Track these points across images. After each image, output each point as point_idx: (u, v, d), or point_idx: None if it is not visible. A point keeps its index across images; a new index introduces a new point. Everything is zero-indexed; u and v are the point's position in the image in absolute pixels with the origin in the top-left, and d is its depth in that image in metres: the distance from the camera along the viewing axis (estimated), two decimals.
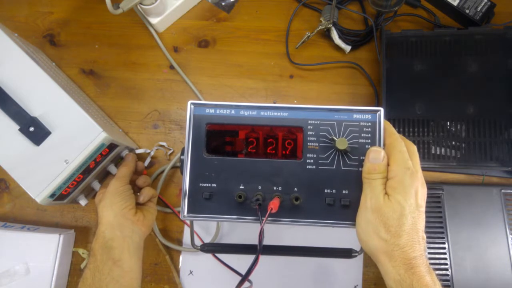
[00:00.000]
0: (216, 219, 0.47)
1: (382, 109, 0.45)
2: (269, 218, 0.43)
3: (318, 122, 0.46)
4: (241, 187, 0.46)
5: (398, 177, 0.40)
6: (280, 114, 0.46)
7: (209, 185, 0.46)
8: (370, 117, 0.45)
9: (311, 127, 0.46)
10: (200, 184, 0.46)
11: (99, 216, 0.57)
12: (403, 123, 0.68)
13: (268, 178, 0.46)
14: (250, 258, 0.47)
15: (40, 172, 0.55)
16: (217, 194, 0.46)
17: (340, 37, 0.73)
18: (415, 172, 0.41)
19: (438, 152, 0.66)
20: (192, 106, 0.47)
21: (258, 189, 0.46)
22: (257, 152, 0.46)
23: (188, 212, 0.46)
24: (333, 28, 0.73)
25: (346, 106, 0.46)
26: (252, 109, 0.46)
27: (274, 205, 0.43)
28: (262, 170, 0.46)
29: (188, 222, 0.68)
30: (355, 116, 0.45)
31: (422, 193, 0.41)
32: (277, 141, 0.46)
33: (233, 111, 0.47)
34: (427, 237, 0.65)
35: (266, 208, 0.43)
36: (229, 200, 0.46)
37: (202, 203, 0.46)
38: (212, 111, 0.47)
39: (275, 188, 0.46)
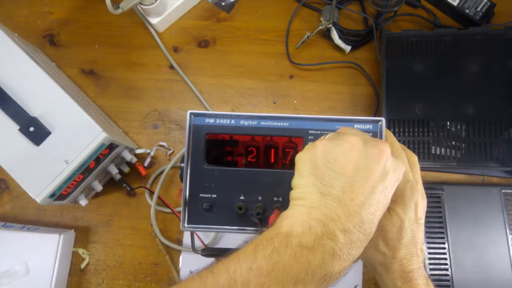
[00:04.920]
0: (216, 230, 0.47)
1: (383, 119, 0.45)
2: None
3: (319, 132, 0.45)
4: (241, 197, 0.45)
5: (398, 190, 0.40)
6: (281, 124, 0.46)
7: (209, 195, 0.46)
8: (371, 127, 0.45)
9: (312, 137, 0.45)
10: (200, 195, 0.46)
11: None
12: (403, 123, 0.68)
13: (268, 188, 0.45)
14: None
15: (40, 172, 0.55)
16: (217, 205, 0.46)
17: (340, 37, 0.73)
18: (415, 184, 0.40)
19: (438, 152, 0.66)
20: (192, 116, 0.46)
21: (258, 200, 0.45)
22: (257, 162, 0.46)
23: (188, 223, 0.46)
24: (333, 28, 0.73)
25: (347, 116, 0.45)
26: (252, 118, 0.46)
27: (274, 219, 0.42)
28: (263, 180, 0.45)
29: None
30: (356, 126, 0.45)
31: (422, 205, 0.40)
32: (277, 151, 0.46)
33: (233, 121, 0.46)
34: (427, 238, 0.65)
35: (267, 220, 0.43)
36: (229, 211, 0.45)
37: (202, 214, 0.46)
38: (211, 120, 0.46)
39: (275, 199, 0.45)
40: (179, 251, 0.70)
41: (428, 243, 0.65)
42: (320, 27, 0.73)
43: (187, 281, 0.33)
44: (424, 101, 0.68)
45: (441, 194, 0.67)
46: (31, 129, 0.56)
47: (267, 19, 0.78)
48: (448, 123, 0.67)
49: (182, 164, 0.47)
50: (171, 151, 0.73)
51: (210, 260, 0.66)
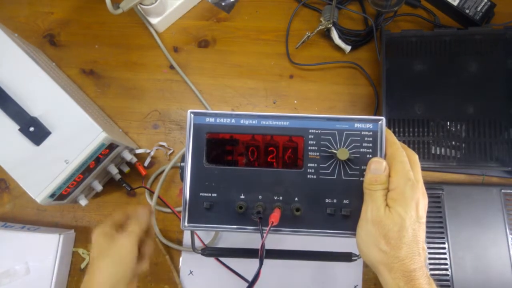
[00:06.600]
0: (216, 229, 0.47)
1: (384, 118, 0.45)
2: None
3: (319, 131, 0.45)
4: (242, 196, 0.45)
5: (399, 188, 0.40)
6: (281, 123, 0.46)
7: (210, 194, 0.46)
8: (371, 126, 0.45)
9: (312, 136, 0.45)
10: (201, 194, 0.46)
11: (95, 266, 0.47)
12: (403, 123, 0.68)
13: (268, 187, 0.45)
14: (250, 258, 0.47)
15: (40, 172, 0.55)
16: (217, 204, 0.46)
17: (340, 37, 0.73)
18: (416, 182, 0.40)
19: (438, 152, 0.66)
20: (192, 115, 0.46)
21: (258, 199, 0.45)
22: (257, 161, 0.46)
23: (188, 222, 0.46)
24: (333, 28, 0.73)
25: (347, 116, 0.45)
26: (253, 118, 0.46)
27: (275, 218, 0.42)
28: (263, 179, 0.45)
29: None
30: (356, 125, 0.45)
31: (423, 204, 0.40)
32: (277, 150, 0.46)
33: (233, 120, 0.46)
34: (428, 237, 0.65)
35: (267, 219, 0.43)
36: (229, 211, 0.45)
37: (202, 213, 0.46)
38: (212, 120, 0.46)
39: (275, 198, 0.45)
40: (179, 251, 0.70)
41: (428, 243, 0.65)
42: (320, 27, 0.73)
43: None
44: (424, 101, 0.68)
45: (441, 194, 0.67)
46: (31, 129, 0.56)
47: (267, 19, 0.78)
48: (448, 123, 0.67)
49: (182, 164, 0.47)
50: (171, 151, 0.74)
51: (210, 260, 0.66)
